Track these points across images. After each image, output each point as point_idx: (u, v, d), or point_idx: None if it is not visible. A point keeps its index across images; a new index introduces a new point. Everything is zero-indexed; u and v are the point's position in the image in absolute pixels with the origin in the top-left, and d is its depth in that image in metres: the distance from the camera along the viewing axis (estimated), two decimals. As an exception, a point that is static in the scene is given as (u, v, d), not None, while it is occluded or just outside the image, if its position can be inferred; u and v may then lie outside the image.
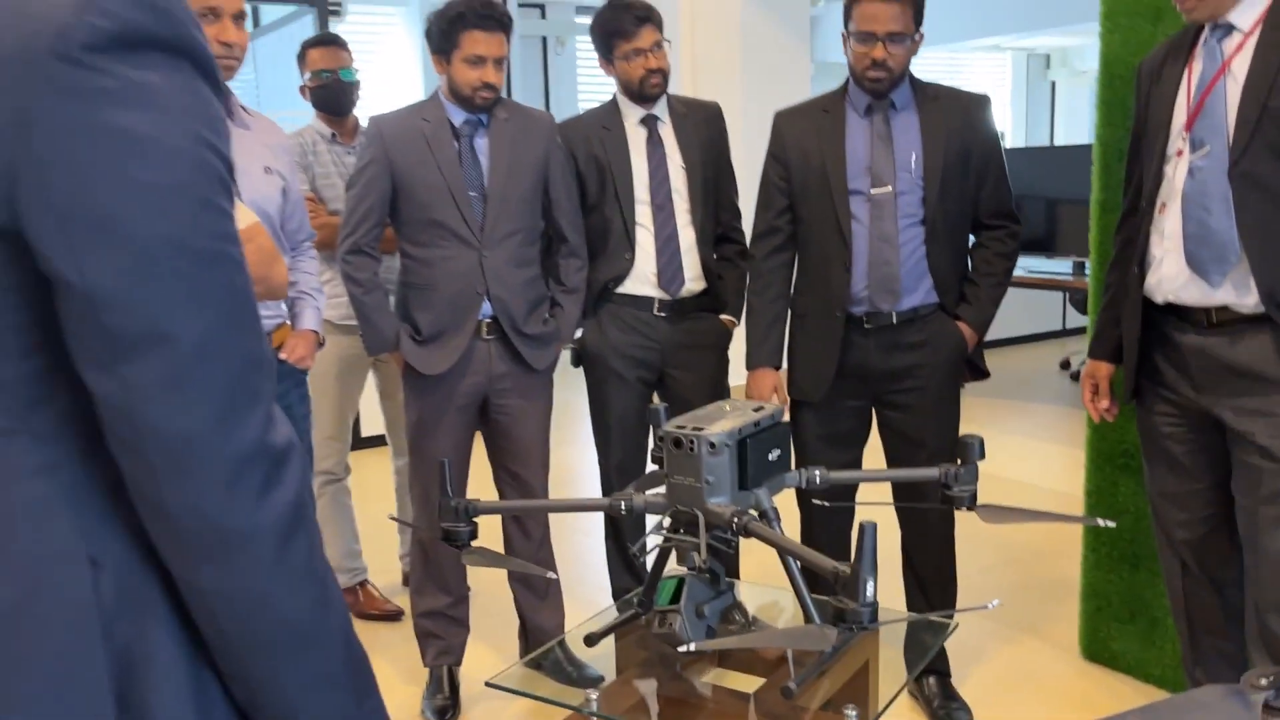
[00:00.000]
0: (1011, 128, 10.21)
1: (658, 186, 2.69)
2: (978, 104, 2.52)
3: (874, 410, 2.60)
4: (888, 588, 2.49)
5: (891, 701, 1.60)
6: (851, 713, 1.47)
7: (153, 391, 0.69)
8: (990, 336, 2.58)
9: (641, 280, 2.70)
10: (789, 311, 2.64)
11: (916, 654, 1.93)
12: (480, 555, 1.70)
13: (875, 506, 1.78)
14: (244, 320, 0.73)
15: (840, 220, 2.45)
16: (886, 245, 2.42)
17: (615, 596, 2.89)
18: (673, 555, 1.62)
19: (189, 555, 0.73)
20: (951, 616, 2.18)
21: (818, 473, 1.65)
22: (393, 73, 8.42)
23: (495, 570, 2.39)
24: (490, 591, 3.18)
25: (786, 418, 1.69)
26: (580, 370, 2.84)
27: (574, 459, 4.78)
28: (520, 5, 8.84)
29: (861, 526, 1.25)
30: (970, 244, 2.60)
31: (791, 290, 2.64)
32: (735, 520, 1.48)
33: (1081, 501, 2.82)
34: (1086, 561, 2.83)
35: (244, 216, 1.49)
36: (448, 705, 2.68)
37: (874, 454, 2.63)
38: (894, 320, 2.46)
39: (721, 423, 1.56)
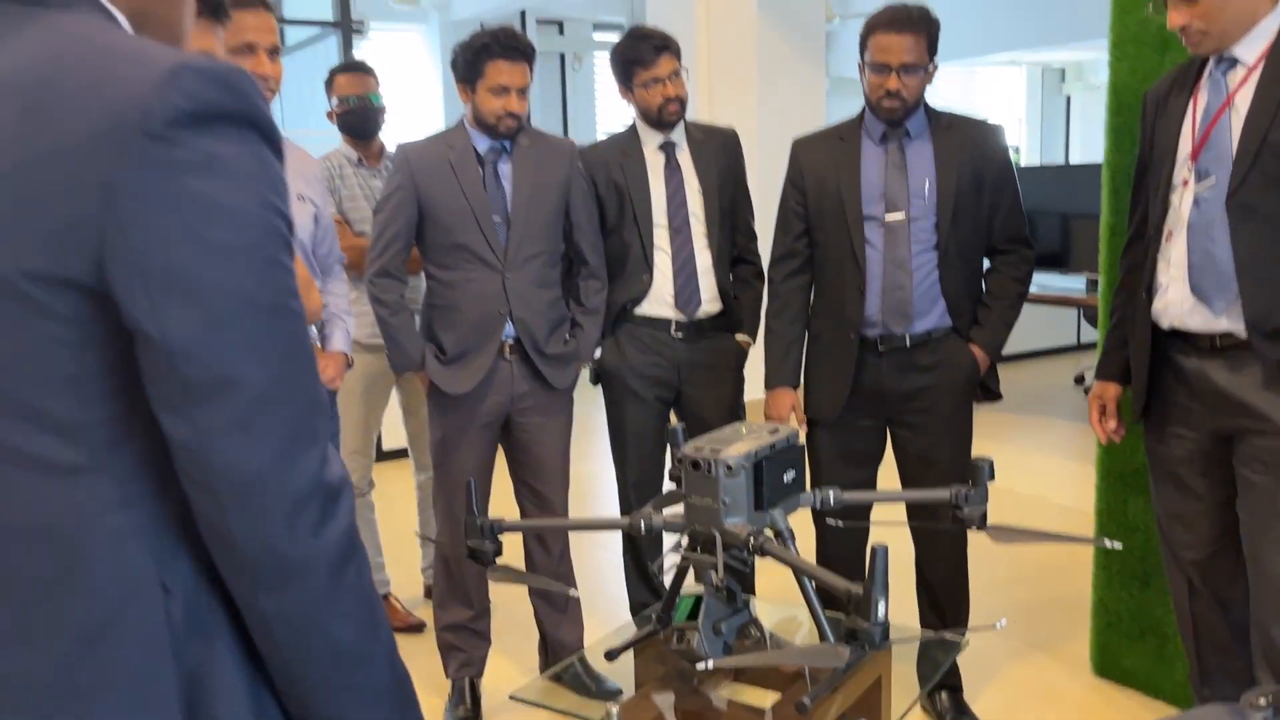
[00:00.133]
0: (1026, 142, 10.24)
1: (675, 211, 2.75)
2: (991, 133, 2.58)
3: (888, 430, 2.66)
4: (902, 603, 2.53)
5: (904, 716, 1.65)
6: (864, 728, 1.52)
7: (222, 433, 0.76)
8: (1005, 351, 2.64)
9: (659, 302, 2.77)
10: (806, 333, 2.70)
11: (928, 670, 1.98)
12: (506, 572, 1.77)
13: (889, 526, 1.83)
14: (303, 367, 0.80)
15: (855, 245, 2.51)
16: (900, 270, 2.48)
17: (633, 611, 2.94)
18: (690, 572, 1.67)
19: (252, 582, 0.80)
20: (962, 635, 2.23)
21: (832, 493, 1.70)
22: (414, 87, 8.53)
23: (516, 585, 2.45)
24: (511, 605, 3.23)
25: (801, 440, 1.74)
26: (599, 388, 2.90)
27: (593, 473, 4.84)
28: (538, 22, 8.94)
29: (873, 550, 1.31)
30: (984, 268, 2.65)
31: (809, 312, 2.70)
32: (751, 540, 1.54)
33: (1092, 519, 2.86)
34: (1097, 579, 2.87)
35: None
36: (469, 716, 2.75)
37: (890, 471, 2.69)
38: (907, 343, 2.52)
39: (738, 445, 1.62)
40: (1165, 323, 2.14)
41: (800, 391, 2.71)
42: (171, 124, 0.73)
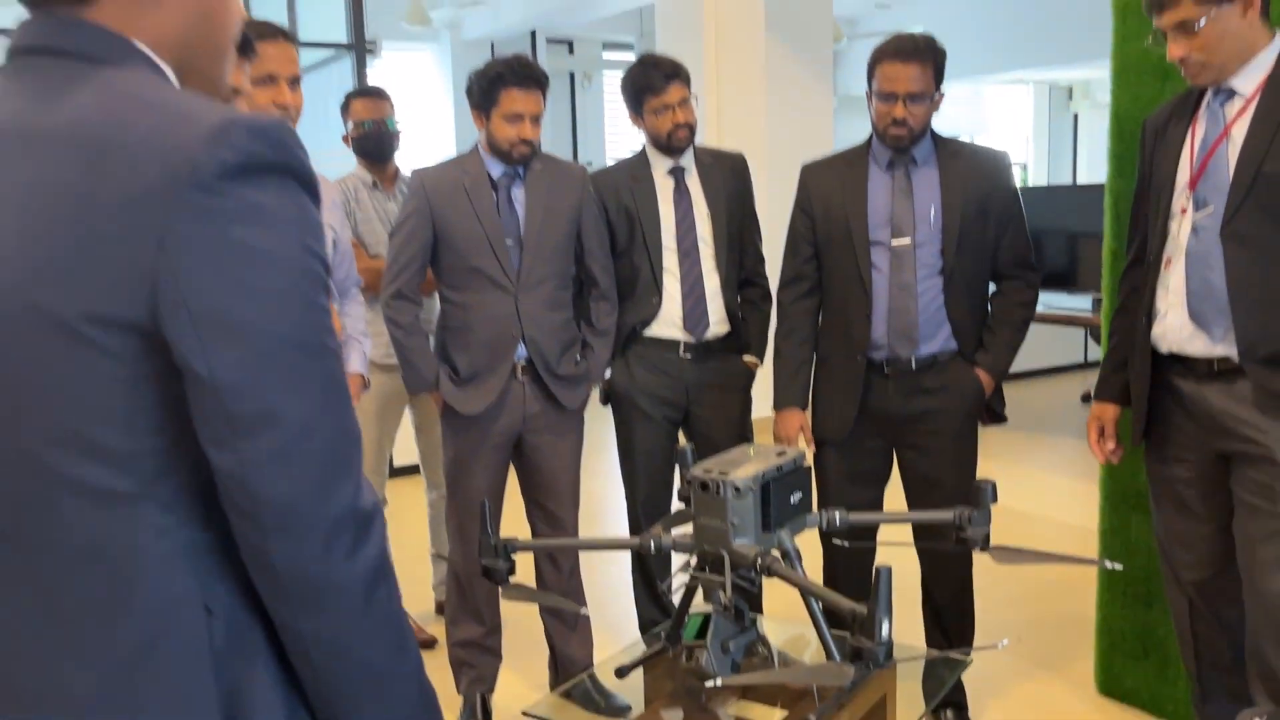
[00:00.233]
0: (1034, 159, 10.28)
1: (684, 234, 2.80)
2: (997, 161, 2.64)
3: (894, 451, 2.70)
4: (907, 622, 2.57)
5: (907, 733, 1.69)
6: (869, 744, 1.56)
7: (264, 464, 0.81)
8: (1011, 369, 2.68)
9: (668, 323, 2.82)
10: (814, 354, 2.74)
11: (933, 688, 2.02)
12: (519, 591, 1.82)
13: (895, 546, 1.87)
14: (339, 401, 0.85)
15: (861, 269, 2.56)
16: (905, 294, 2.53)
17: (642, 628, 2.98)
18: (699, 591, 1.72)
19: (289, 604, 0.84)
20: (967, 654, 2.27)
21: (838, 514, 1.75)
22: (425, 106, 8.61)
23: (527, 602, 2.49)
24: (521, 622, 3.27)
25: (809, 461, 1.78)
26: (609, 408, 2.95)
27: (603, 491, 4.88)
28: (549, 41, 9.03)
29: (877, 571, 1.35)
30: (990, 292, 2.70)
31: (817, 334, 2.75)
32: (759, 560, 1.58)
33: (1096, 538, 2.90)
34: (1101, 598, 2.90)
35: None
36: (480, 732, 2.79)
37: (897, 492, 2.73)
38: (913, 366, 2.56)
39: (746, 467, 1.66)
40: (1164, 347, 2.18)
41: (808, 412, 2.75)
42: (219, 176, 0.78)
